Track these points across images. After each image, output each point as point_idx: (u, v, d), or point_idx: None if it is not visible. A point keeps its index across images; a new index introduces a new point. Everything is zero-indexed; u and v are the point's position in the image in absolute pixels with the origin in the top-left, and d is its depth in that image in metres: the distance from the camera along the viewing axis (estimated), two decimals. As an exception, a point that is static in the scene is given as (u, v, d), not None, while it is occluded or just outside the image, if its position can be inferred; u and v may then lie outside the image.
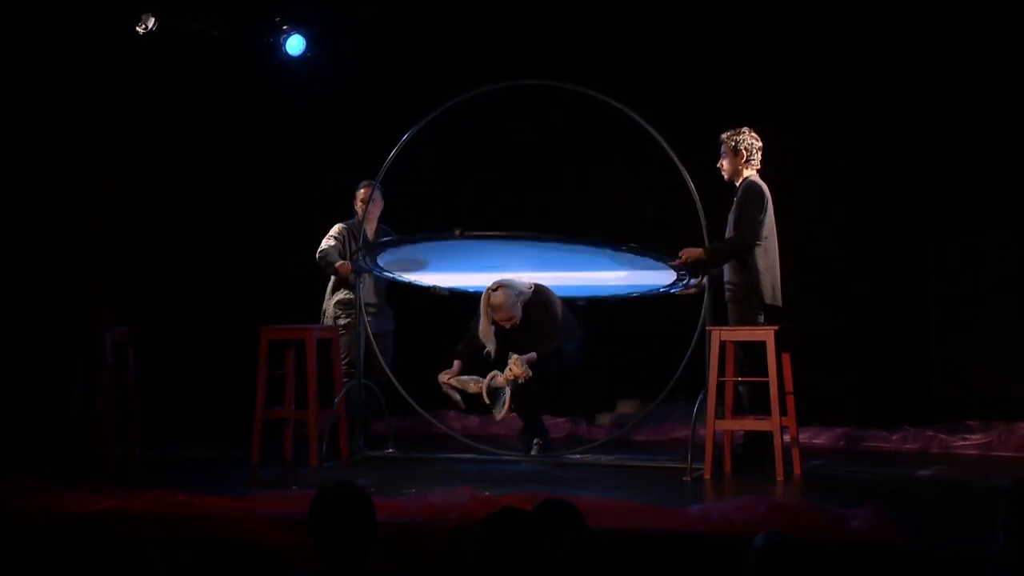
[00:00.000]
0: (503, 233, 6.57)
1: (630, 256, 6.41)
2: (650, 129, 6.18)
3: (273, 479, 5.99)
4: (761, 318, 6.08)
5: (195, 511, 4.73)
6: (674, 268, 6.22)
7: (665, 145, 6.16)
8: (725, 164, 6.19)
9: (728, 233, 6.17)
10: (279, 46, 7.54)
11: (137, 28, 6.98)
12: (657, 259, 6.28)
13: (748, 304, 6.09)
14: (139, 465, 6.32)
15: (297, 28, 7.54)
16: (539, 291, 6.57)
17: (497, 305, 6.44)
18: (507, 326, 6.47)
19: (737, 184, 6.21)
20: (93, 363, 6.36)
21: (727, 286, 6.16)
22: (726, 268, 6.17)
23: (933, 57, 7.25)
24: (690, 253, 6.07)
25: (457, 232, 6.43)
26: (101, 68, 6.99)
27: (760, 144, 6.18)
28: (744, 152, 6.15)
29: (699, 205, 6.13)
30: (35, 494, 5.02)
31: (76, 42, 6.83)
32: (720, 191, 6.33)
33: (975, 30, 7.16)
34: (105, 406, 6.28)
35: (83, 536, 4.73)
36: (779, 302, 6.13)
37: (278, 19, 7.54)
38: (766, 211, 6.10)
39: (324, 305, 6.91)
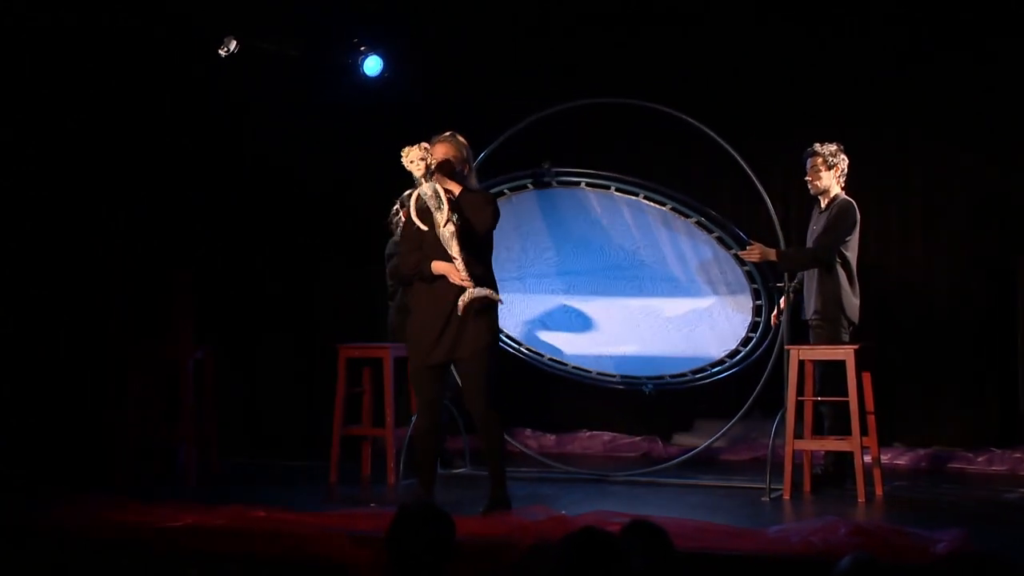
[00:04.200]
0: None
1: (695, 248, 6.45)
2: (726, 146, 6.14)
3: (351, 496, 6.03)
4: (847, 337, 5.99)
5: (274, 527, 4.78)
6: (739, 257, 6.24)
7: (740, 160, 6.11)
8: (816, 177, 6.09)
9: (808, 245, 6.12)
10: (357, 67, 7.62)
11: (220, 51, 7.14)
12: (727, 236, 6.33)
13: (837, 324, 5.99)
14: (219, 480, 6.41)
15: (374, 49, 7.62)
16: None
17: (447, 142, 5.28)
18: (425, 165, 5.15)
19: (823, 200, 6.13)
20: (176, 379, 6.48)
21: (814, 306, 6.05)
22: (813, 288, 6.05)
23: (1013, 63, 7.06)
24: (763, 250, 6.03)
25: (546, 166, 6.70)
26: (183, 94, 7.15)
27: (848, 161, 6.11)
28: (839, 168, 6.07)
29: (775, 220, 6.09)
30: (117, 509, 5.11)
31: (157, 67, 6.99)
32: (800, 204, 6.26)
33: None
34: (187, 421, 6.39)
35: (164, 550, 4.80)
36: (857, 321, 6.05)
37: (356, 40, 7.62)
38: (855, 232, 6.03)
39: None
